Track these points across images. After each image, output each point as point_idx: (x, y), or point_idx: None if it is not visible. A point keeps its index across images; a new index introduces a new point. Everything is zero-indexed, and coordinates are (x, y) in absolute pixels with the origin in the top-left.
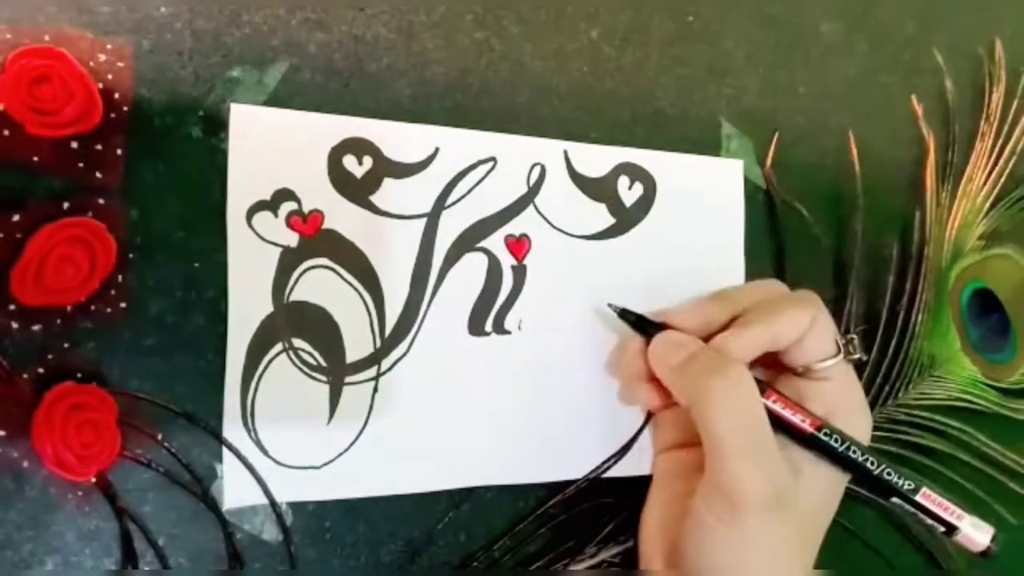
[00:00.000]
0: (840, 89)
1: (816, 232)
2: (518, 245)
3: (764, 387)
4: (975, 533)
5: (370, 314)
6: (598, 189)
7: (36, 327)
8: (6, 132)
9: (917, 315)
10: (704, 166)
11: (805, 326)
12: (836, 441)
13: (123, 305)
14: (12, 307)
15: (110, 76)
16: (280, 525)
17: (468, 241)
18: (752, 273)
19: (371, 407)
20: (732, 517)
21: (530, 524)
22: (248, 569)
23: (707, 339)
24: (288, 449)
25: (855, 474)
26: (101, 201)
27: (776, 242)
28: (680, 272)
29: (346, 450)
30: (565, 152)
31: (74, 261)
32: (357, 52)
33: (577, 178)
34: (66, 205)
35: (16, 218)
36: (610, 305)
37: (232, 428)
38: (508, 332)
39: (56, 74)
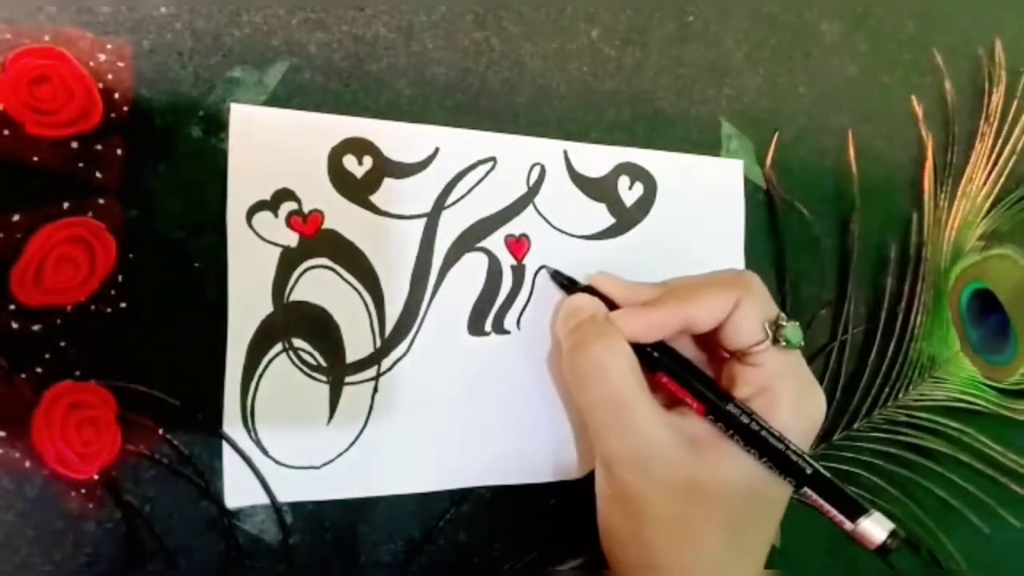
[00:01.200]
0: (840, 89)
1: (816, 232)
2: (518, 245)
3: (664, 363)
4: (873, 529)
5: (370, 314)
6: (598, 189)
7: (36, 327)
8: (6, 132)
9: (916, 316)
10: (704, 166)
11: (725, 311)
12: (721, 428)
13: (123, 305)
14: (12, 307)
15: (110, 76)
16: (280, 525)
17: (468, 241)
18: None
19: (371, 407)
20: (611, 482)
21: (530, 522)
22: (248, 569)
23: None
24: (288, 449)
25: (754, 449)
26: (101, 201)
27: (776, 242)
28: (680, 272)
29: (346, 450)
30: (565, 152)
31: (74, 261)
32: (357, 52)
33: (577, 178)
34: (66, 205)
35: (16, 218)
36: (544, 266)
37: (232, 428)
38: (508, 332)
39: (56, 74)
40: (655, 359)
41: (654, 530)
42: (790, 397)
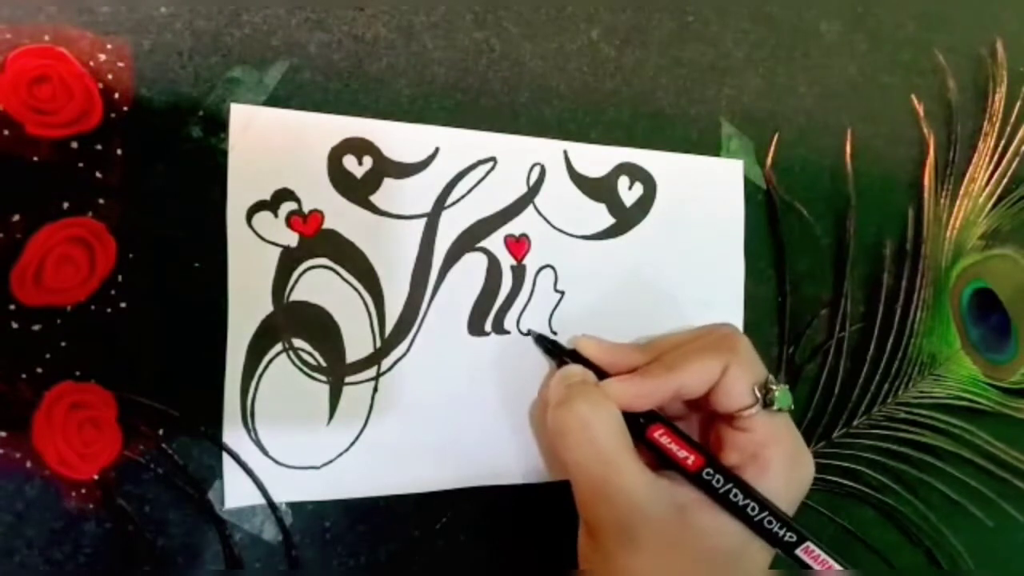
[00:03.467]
0: (840, 89)
1: (816, 232)
2: (518, 245)
3: (653, 420)
4: None
5: (370, 314)
6: (598, 189)
7: (36, 327)
8: (6, 132)
9: (915, 313)
10: (704, 166)
11: (714, 377)
12: (718, 482)
13: (123, 305)
14: (12, 307)
15: (110, 76)
16: (280, 525)
17: (468, 241)
18: (752, 273)
19: (371, 407)
20: (598, 551)
21: (529, 523)
22: (248, 569)
23: None
24: (288, 449)
25: (739, 518)
26: (101, 201)
27: (776, 242)
28: (680, 272)
29: (346, 450)
30: (565, 152)
31: (74, 261)
32: (357, 52)
33: (577, 178)
34: (66, 205)
35: (16, 218)
36: (529, 331)
37: (232, 428)
38: (508, 332)
39: (56, 74)
40: (643, 421)
41: None
42: (781, 464)
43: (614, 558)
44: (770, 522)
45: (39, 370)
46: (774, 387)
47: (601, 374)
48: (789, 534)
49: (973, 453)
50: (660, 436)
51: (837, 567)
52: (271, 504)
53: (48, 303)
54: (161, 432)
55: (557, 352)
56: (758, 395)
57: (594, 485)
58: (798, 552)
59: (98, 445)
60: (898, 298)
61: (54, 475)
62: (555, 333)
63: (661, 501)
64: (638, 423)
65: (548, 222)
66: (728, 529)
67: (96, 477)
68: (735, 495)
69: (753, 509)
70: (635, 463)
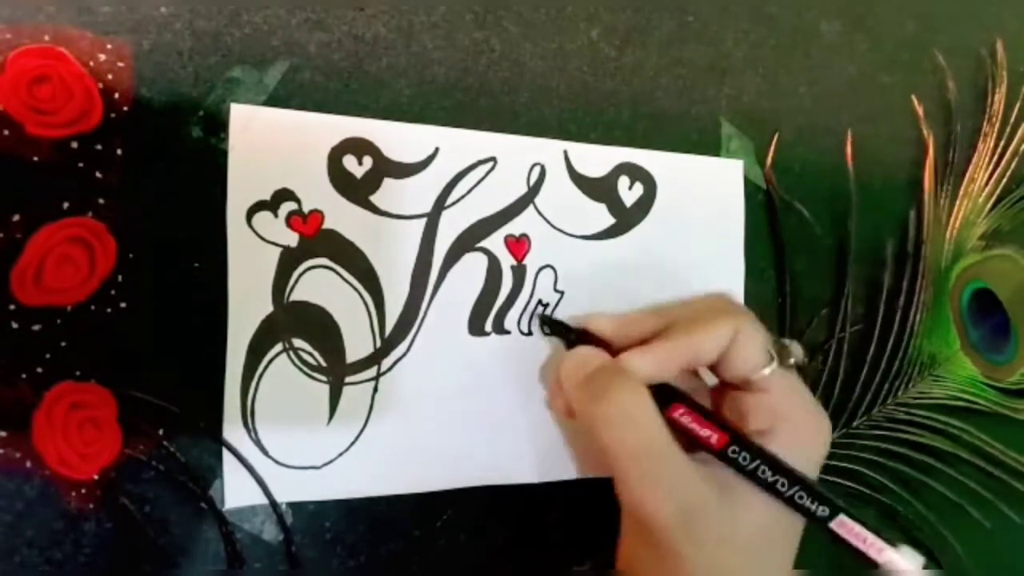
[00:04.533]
0: (840, 89)
1: (816, 232)
2: (518, 245)
3: (675, 399)
4: (902, 565)
5: (370, 314)
6: (598, 189)
7: (36, 327)
8: (6, 132)
9: (915, 314)
10: (704, 166)
11: (726, 340)
12: (744, 459)
13: (123, 305)
14: (12, 307)
15: (110, 76)
16: (280, 525)
17: (468, 241)
18: (752, 273)
19: (371, 407)
20: (648, 539)
21: (529, 523)
22: (248, 569)
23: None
24: (288, 449)
25: (770, 493)
26: (101, 201)
27: (776, 242)
28: (680, 272)
29: (346, 450)
30: (565, 152)
31: (74, 261)
32: (357, 52)
33: (577, 178)
34: (66, 205)
35: (16, 218)
36: (534, 314)
37: (232, 428)
38: (508, 332)
39: (56, 74)
40: (665, 397)
41: None
42: (803, 421)
43: (674, 555)
44: (801, 497)
45: (39, 370)
46: (787, 343)
47: (609, 352)
48: (822, 508)
49: (972, 454)
50: (681, 416)
51: (878, 542)
52: (272, 504)
53: (48, 303)
54: (161, 432)
55: (565, 333)
56: (772, 352)
57: (649, 478)
58: (832, 525)
59: (98, 445)
60: (898, 299)
61: (54, 475)
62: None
63: (708, 485)
64: (659, 401)
65: (548, 222)
66: (762, 502)
67: (96, 477)
68: (763, 471)
69: (783, 485)
70: (677, 449)
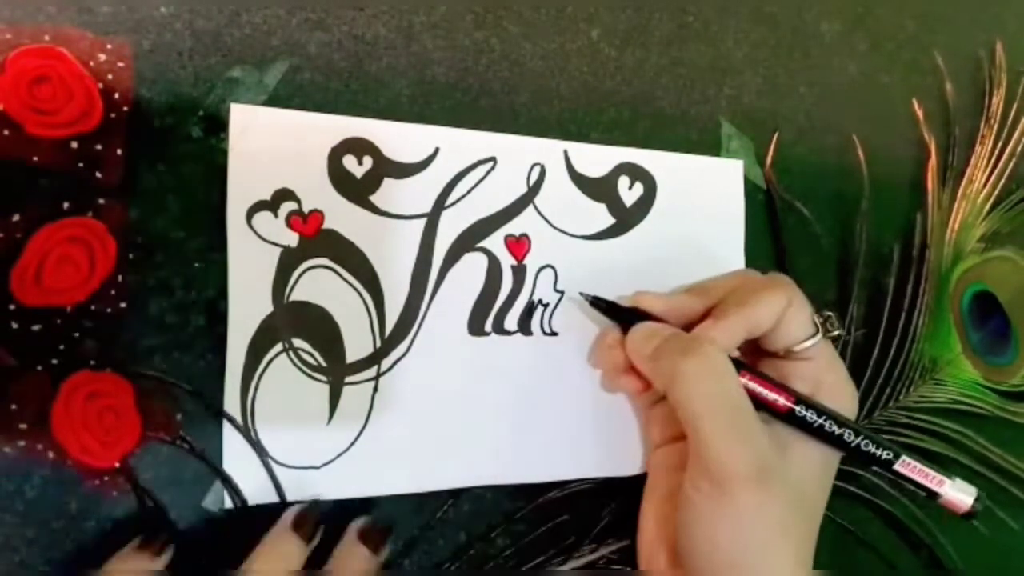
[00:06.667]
0: (840, 89)
1: (816, 232)
2: (518, 245)
3: (739, 367)
4: (957, 496)
5: (370, 314)
6: (598, 189)
7: (36, 327)
8: (6, 132)
9: (918, 318)
10: (704, 166)
11: (781, 310)
12: (812, 416)
13: (123, 305)
14: (12, 307)
15: (110, 76)
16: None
17: (468, 241)
18: None
19: (371, 407)
20: (721, 495)
21: (529, 522)
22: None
23: (686, 330)
24: (288, 449)
25: (835, 446)
26: (101, 201)
27: (776, 242)
28: (680, 272)
29: (346, 450)
30: (565, 152)
31: (74, 261)
32: (357, 52)
33: (577, 178)
34: (66, 205)
35: (16, 218)
36: (581, 294)
37: (232, 428)
38: (508, 332)
39: (56, 74)
40: (736, 366)
41: (764, 536)
42: (843, 384)
43: (738, 501)
44: (867, 444)
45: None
46: (830, 314)
47: None
48: (886, 452)
49: (970, 459)
50: (749, 381)
51: (936, 475)
52: (272, 504)
53: (48, 303)
54: (160, 431)
55: (616, 312)
56: (817, 324)
57: (726, 431)
58: (897, 466)
59: (118, 432)
60: (901, 302)
61: (77, 464)
62: (555, 333)
63: (773, 444)
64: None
65: (548, 222)
66: (820, 458)
67: (118, 464)
68: (830, 426)
69: (849, 435)
70: (754, 409)
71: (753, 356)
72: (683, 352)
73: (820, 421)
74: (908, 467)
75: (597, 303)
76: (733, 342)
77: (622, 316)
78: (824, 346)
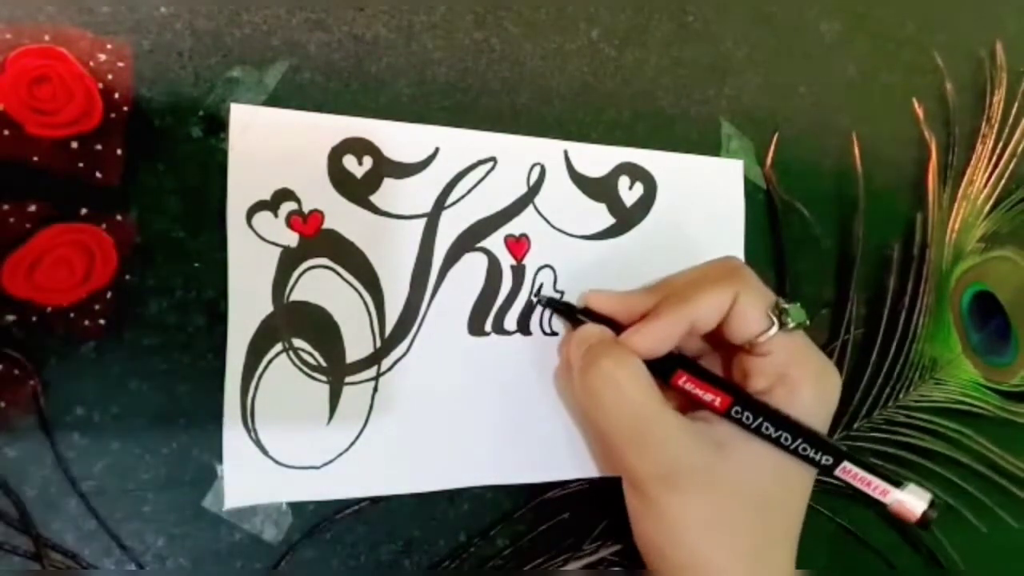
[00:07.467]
0: (840, 89)
1: (816, 233)
2: (518, 245)
3: (678, 365)
4: (906, 506)
5: (370, 314)
6: (598, 189)
7: (10, 317)
8: (6, 132)
9: (918, 317)
10: (704, 166)
11: (725, 307)
12: (748, 417)
13: (102, 322)
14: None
15: (110, 76)
16: (280, 525)
17: (468, 241)
18: None
19: (371, 407)
20: (643, 498)
21: (528, 522)
22: (248, 569)
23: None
24: (288, 449)
25: (777, 447)
26: (101, 201)
27: (776, 242)
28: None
29: (346, 450)
30: (565, 152)
31: (70, 265)
32: (357, 52)
33: (577, 178)
34: (84, 211)
35: (32, 208)
36: (534, 298)
37: (232, 428)
38: (508, 332)
39: (56, 74)
40: (669, 365)
41: (691, 535)
42: (807, 381)
43: (658, 503)
44: (805, 448)
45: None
46: (786, 306)
47: (616, 328)
48: (825, 457)
49: (970, 458)
50: (684, 383)
51: (881, 484)
52: (272, 504)
53: (31, 298)
54: (161, 432)
55: (570, 313)
56: (772, 317)
57: (630, 440)
58: (837, 472)
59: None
60: (901, 301)
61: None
62: (555, 333)
63: (699, 444)
64: (663, 369)
65: (548, 222)
66: (768, 456)
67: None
68: (767, 428)
69: (787, 439)
70: (667, 412)
71: (723, 350)
72: (582, 369)
73: (757, 422)
74: (849, 474)
75: (552, 304)
76: (661, 343)
77: (576, 318)
78: (787, 339)
